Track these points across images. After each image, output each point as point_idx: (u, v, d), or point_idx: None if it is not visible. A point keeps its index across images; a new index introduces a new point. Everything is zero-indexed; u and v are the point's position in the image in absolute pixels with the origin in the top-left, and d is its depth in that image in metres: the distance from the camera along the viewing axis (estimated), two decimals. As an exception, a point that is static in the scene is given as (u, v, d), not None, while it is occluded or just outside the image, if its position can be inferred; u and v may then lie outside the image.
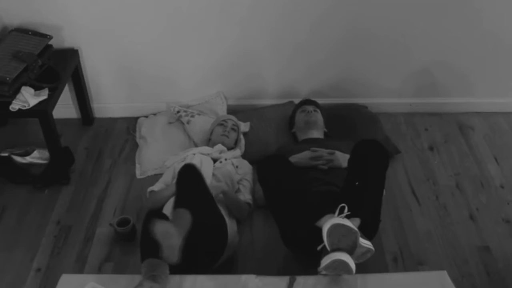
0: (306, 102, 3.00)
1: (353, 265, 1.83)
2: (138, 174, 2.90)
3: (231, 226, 2.36)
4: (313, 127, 2.84)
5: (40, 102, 2.58)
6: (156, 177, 2.77)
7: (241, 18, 2.93)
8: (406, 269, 2.38)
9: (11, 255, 2.45)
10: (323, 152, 2.56)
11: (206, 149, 2.70)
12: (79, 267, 2.39)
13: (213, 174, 2.53)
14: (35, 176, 2.81)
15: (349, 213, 1.95)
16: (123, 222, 2.49)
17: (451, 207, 2.71)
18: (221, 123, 2.84)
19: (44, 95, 2.61)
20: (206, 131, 2.93)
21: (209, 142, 2.84)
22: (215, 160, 2.65)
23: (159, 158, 2.90)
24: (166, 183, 2.57)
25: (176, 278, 1.90)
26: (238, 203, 2.53)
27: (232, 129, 2.83)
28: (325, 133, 2.91)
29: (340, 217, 1.92)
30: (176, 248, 1.84)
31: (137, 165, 2.95)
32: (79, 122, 3.26)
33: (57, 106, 2.72)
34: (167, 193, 2.45)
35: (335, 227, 1.85)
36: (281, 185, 2.15)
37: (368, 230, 2.06)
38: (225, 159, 2.65)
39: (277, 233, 2.29)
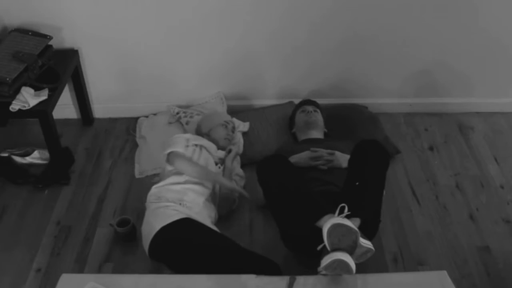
0: (306, 102, 3.00)
1: (353, 265, 1.82)
2: (137, 174, 2.89)
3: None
4: (313, 127, 2.84)
5: (40, 102, 2.58)
6: (154, 177, 2.79)
7: (242, 19, 2.93)
8: (406, 269, 2.38)
9: (11, 255, 2.45)
10: (323, 152, 2.56)
11: (214, 148, 2.65)
12: (79, 267, 2.39)
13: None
14: (35, 176, 2.81)
15: (349, 213, 1.95)
16: (123, 222, 2.49)
17: (451, 207, 2.71)
18: (224, 124, 2.77)
19: (44, 95, 2.61)
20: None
21: (207, 137, 2.73)
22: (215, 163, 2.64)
23: (158, 158, 2.89)
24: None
25: (176, 278, 1.91)
26: (227, 194, 2.55)
27: (232, 131, 2.83)
28: (325, 133, 2.91)
29: (340, 217, 1.92)
30: None
31: (136, 164, 2.95)
32: (79, 122, 3.26)
33: (57, 106, 2.72)
34: (193, 169, 2.39)
35: (335, 227, 1.85)
36: (281, 185, 2.15)
37: (368, 230, 2.07)
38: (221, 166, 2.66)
39: (277, 233, 2.29)
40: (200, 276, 1.91)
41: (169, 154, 2.40)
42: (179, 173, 2.40)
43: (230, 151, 2.74)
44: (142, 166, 2.93)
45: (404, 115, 3.33)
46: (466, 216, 2.66)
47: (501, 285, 2.33)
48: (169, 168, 2.44)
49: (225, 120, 2.80)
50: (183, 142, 2.47)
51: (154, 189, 2.40)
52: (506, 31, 3.02)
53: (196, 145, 2.55)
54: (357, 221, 2.00)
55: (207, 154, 2.57)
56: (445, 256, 2.45)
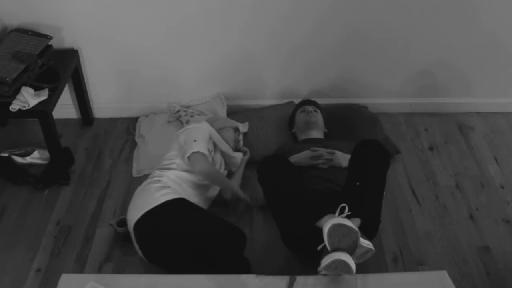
0: (306, 102, 3.00)
1: (353, 265, 1.83)
2: (135, 173, 2.89)
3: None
4: (313, 127, 2.84)
5: (40, 102, 2.58)
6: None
7: (242, 19, 2.93)
8: (406, 269, 2.38)
9: (11, 255, 2.45)
10: (323, 151, 2.56)
11: (230, 150, 2.72)
12: (79, 267, 2.39)
13: None
14: (35, 176, 2.81)
15: (349, 213, 1.95)
16: (123, 222, 2.49)
17: (451, 207, 2.71)
18: (235, 129, 2.81)
19: (44, 95, 2.61)
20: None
21: None
22: None
23: (156, 157, 2.89)
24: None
25: (176, 278, 1.91)
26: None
27: (238, 137, 2.87)
28: (325, 133, 2.91)
29: (341, 217, 1.93)
30: None
31: (134, 163, 2.95)
32: (79, 122, 3.26)
33: (57, 106, 2.72)
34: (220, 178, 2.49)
35: (335, 227, 1.85)
36: (281, 185, 2.15)
37: (369, 230, 2.07)
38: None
39: (277, 233, 2.29)
40: (200, 276, 1.91)
41: (192, 154, 2.39)
42: (187, 171, 2.44)
43: (245, 152, 2.85)
44: (140, 165, 2.92)
45: (404, 115, 3.33)
46: (466, 216, 2.66)
47: (501, 285, 2.33)
48: (180, 162, 2.46)
49: (237, 126, 2.86)
50: (207, 140, 2.49)
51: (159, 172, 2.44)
52: (506, 31, 3.02)
53: (214, 146, 2.59)
54: (358, 221, 2.00)
55: (220, 157, 2.63)
56: (445, 256, 2.45)
